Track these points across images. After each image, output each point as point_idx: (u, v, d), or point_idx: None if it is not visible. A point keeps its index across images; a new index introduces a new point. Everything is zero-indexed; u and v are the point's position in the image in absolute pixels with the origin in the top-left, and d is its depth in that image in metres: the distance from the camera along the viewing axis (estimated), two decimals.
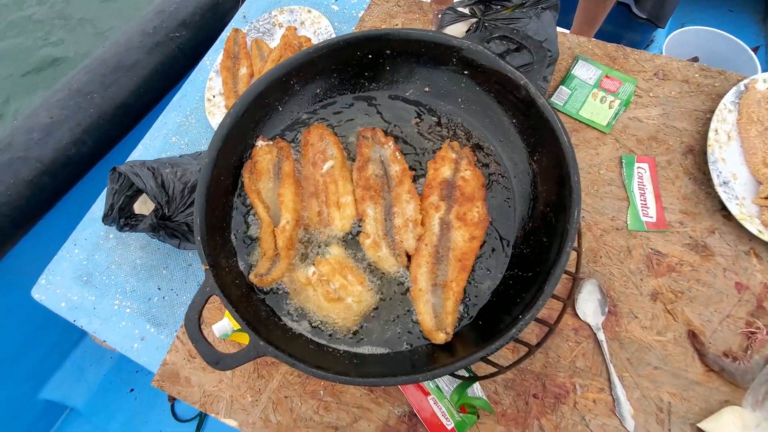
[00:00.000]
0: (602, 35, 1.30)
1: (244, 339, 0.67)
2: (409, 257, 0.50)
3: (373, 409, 0.61)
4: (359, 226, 0.52)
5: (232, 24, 1.02)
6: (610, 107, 0.81)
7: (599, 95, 0.82)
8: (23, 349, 1.16)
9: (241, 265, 0.52)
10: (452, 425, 0.52)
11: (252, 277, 0.49)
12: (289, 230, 0.50)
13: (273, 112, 0.58)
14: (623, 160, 0.77)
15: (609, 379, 0.61)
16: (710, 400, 0.59)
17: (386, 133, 0.57)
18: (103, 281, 0.82)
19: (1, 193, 0.91)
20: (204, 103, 0.93)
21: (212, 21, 1.18)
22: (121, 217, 0.72)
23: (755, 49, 1.50)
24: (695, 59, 1.55)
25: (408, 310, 0.49)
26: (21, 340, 1.14)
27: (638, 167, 0.76)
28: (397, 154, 0.54)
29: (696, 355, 0.62)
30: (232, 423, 0.65)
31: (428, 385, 0.54)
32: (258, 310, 0.47)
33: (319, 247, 0.52)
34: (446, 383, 0.55)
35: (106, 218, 0.73)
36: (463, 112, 0.57)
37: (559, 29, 0.84)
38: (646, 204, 0.73)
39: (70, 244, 0.86)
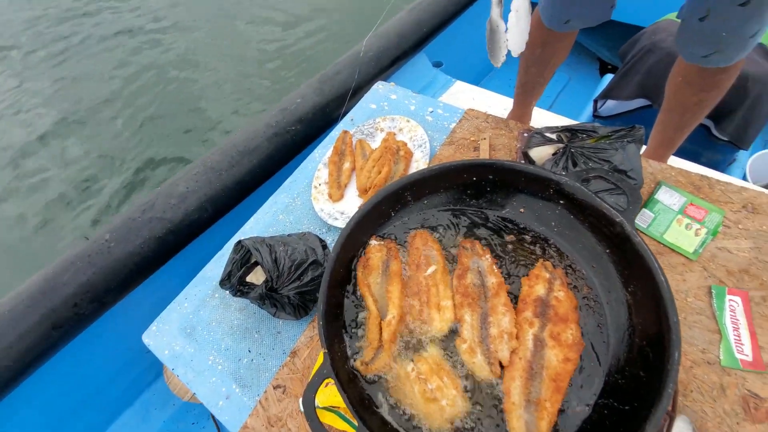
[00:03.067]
0: (679, 152, 1.34)
1: (325, 417, 0.71)
2: (502, 368, 0.54)
3: None
4: (454, 331, 0.58)
5: (341, 125, 1.21)
6: (697, 235, 0.83)
7: (684, 222, 0.85)
8: (111, 380, 1.28)
9: (348, 351, 0.59)
10: None
11: (358, 365, 0.56)
12: (394, 324, 0.57)
13: (386, 217, 0.69)
14: (713, 291, 0.76)
15: None
16: None
17: (484, 246, 0.64)
18: (204, 336, 0.93)
19: (137, 246, 1.09)
20: (311, 189, 1.08)
21: (321, 118, 1.40)
22: (237, 284, 0.83)
23: None
24: None
25: (498, 425, 0.51)
26: (111, 374, 1.26)
27: (730, 300, 0.75)
28: (494, 267, 0.61)
29: None
30: None
31: None
32: (362, 397, 0.53)
33: (418, 344, 0.58)
34: None
35: (224, 283, 0.84)
36: (556, 235, 0.64)
37: None
38: (740, 340, 0.71)
39: (182, 298, 0.99)
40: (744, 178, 1.52)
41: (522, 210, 0.67)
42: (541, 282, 0.58)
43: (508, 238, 0.66)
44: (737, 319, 0.73)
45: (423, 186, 0.67)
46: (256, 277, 0.88)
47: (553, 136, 0.91)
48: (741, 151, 1.60)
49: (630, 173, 0.82)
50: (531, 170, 0.62)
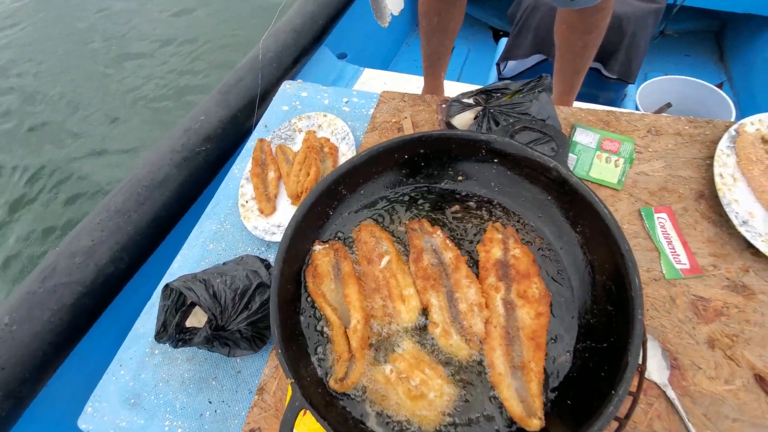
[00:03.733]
0: (580, 97, 1.43)
1: None
2: (480, 342, 0.51)
3: None
4: (425, 319, 0.54)
5: (256, 134, 1.12)
6: (616, 166, 0.88)
7: (603, 156, 0.90)
8: None
9: (319, 372, 0.53)
10: None
11: (332, 383, 0.50)
12: (360, 330, 0.52)
13: (325, 217, 0.63)
14: (642, 213, 0.81)
15: None
16: None
17: (432, 223, 0.62)
18: (152, 401, 0.80)
19: (45, 321, 0.92)
20: (238, 208, 0.99)
21: (232, 132, 1.29)
22: (176, 333, 0.73)
23: (719, 86, 1.65)
24: (668, 105, 1.70)
25: (491, 398, 0.49)
26: None
27: (658, 217, 0.81)
28: (448, 241, 0.58)
29: None
30: None
31: None
32: (346, 418, 0.47)
33: (390, 342, 0.53)
34: None
35: (160, 336, 0.74)
36: (499, 194, 0.63)
37: None
38: (675, 252, 0.76)
39: (116, 366, 0.85)
40: (636, 108, 1.68)
41: (460, 178, 0.65)
42: (496, 244, 0.57)
43: (453, 208, 0.64)
44: (668, 233, 0.79)
45: (356, 176, 0.63)
46: (197, 319, 0.77)
47: (471, 101, 0.92)
48: (629, 86, 1.77)
49: (548, 120, 0.84)
50: (460, 134, 0.60)
